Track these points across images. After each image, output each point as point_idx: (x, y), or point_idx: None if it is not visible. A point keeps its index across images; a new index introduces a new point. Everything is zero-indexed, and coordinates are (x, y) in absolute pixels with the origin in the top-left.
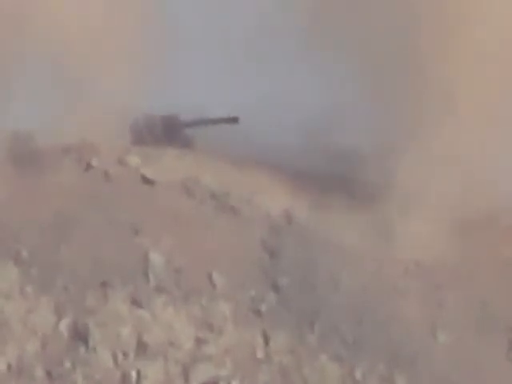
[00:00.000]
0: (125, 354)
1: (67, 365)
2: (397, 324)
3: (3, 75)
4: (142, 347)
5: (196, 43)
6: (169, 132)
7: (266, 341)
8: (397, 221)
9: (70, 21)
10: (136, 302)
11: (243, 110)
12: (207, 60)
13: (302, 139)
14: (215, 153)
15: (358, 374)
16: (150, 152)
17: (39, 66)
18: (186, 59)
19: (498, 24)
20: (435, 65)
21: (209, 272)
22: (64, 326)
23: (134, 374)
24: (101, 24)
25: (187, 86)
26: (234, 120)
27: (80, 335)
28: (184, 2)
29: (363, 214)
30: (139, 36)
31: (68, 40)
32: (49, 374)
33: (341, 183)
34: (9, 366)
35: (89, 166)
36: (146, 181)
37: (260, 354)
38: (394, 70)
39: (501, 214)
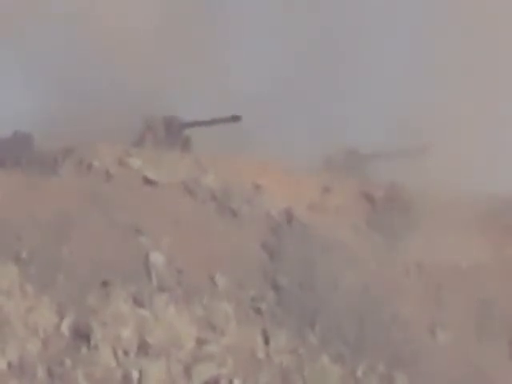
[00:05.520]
0: (126, 354)
1: (68, 364)
2: (397, 324)
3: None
4: (143, 346)
5: None
6: (169, 132)
7: (267, 340)
8: (398, 221)
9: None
10: (138, 302)
11: None
12: None
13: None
14: (215, 153)
15: (359, 374)
16: (151, 153)
17: (38, 67)
18: None
19: None
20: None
21: (210, 272)
22: (65, 325)
23: (135, 373)
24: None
25: None
26: (235, 119)
27: (81, 334)
28: None
29: (364, 213)
30: None
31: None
32: (50, 373)
33: (340, 182)
34: (10, 365)
35: (90, 167)
36: (147, 181)
37: (261, 354)
38: None
39: (501, 213)
